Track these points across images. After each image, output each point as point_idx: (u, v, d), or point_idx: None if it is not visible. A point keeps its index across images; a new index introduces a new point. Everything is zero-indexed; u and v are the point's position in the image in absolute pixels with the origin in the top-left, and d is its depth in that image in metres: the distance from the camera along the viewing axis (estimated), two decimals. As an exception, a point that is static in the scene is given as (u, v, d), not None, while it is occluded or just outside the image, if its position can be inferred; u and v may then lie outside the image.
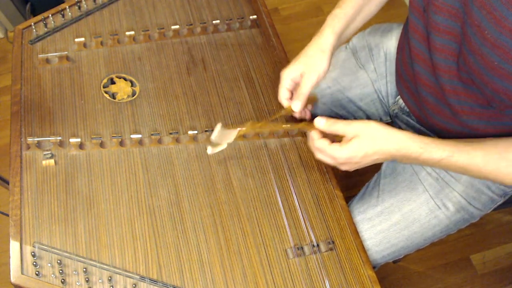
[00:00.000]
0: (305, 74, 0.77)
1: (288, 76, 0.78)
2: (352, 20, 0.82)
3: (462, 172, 0.69)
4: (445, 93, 0.71)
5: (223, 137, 0.76)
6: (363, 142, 0.67)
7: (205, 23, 0.99)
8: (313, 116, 1.00)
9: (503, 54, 0.55)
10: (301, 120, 0.84)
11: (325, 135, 0.72)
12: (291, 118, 0.87)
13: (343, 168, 0.72)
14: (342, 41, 0.83)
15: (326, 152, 0.70)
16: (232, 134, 0.77)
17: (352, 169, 0.72)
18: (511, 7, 0.52)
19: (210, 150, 0.78)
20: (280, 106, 0.83)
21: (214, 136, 0.75)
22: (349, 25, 0.81)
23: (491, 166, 0.65)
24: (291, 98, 0.79)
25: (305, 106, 0.80)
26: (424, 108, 0.80)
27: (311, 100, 0.83)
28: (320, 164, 0.84)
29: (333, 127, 0.70)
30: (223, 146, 0.77)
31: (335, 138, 0.72)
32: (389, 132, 0.68)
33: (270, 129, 0.84)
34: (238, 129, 0.74)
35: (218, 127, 0.74)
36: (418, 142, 0.67)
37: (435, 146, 0.67)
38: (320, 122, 0.71)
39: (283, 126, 0.81)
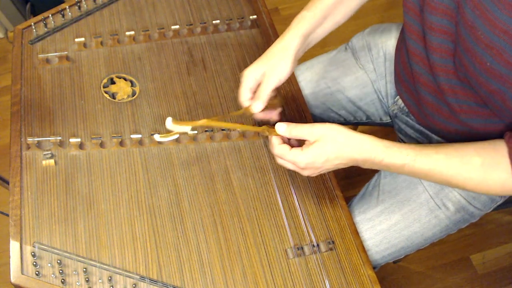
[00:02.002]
0: (266, 75, 0.74)
1: (250, 75, 0.75)
2: (319, 24, 0.79)
3: (426, 178, 0.68)
4: (443, 92, 0.71)
5: (175, 129, 0.70)
6: (324, 147, 0.66)
7: (205, 23, 0.99)
8: (314, 117, 1.00)
9: (495, 55, 0.55)
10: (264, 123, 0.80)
11: (288, 140, 0.71)
12: (253, 120, 0.87)
13: (305, 173, 0.70)
14: (308, 44, 0.79)
15: (286, 157, 0.68)
16: (184, 129, 0.70)
17: (315, 175, 0.70)
18: (503, 8, 0.52)
19: (158, 137, 0.72)
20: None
21: (167, 127, 0.69)
22: (315, 29, 0.78)
23: (452, 171, 0.64)
24: (251, 99, 0.76)
25: (269, 107, 0.76)
26: (423, 108, 0.80)
27: (275, 105, 0.78)
28: (320, 164, 0.84)
29: (295, 132, 0.68)
30: (174, 136, 0.72)
31: (298, 143, 0.70)
32: (351, 136, 0.66)
33: (225, 126, 0.78)
34: (190, 127, 0.69)
35: (169, 121, 0.67)
36: (380, 146, 0.66)
37: (397, 150, 0.65)
38: (281, 128, 0.69)
39: (240, 126, 0.76)
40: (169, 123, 0.67)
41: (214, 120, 0.71)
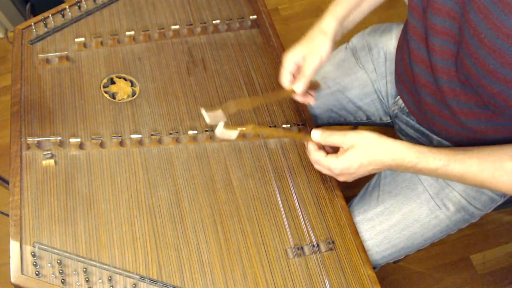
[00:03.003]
0: (307, 56, 0.77)
1: (290, 59, 0.78)
2: (355, 7, 0.81)
3: (458, 181, 0.70)
4: (444, 94, 0.71)
5: (225, 137, 0.75)
6: (358, 153, 0.68)
7: (205, 23, 0.99)
8: (314, 117, 1.00)
9: (499, 58, 0.55)
10: (302, 124, 0.84)
11: (323, 145, 0.73)
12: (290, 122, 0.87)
13: (340, 179, 0.73)
14: (345, 28, 0.82)
15: (322, 163, 0.71)
16: (233, 134, 0.75)
17: (350, 180, 0.73)
18: (508, 11, 0.52)
19: (220, 130, 0.71)
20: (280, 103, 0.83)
21: (218, 133, 0.72)
22: (351, 12, 0.81)
23: (486, 175, 0.65)
24: (292, 82, 0.79)
25: (308, 90, 0.80)
26: (424, 109, 0.80)
27: (314, 85, 0.83)
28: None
29: (329, 139, 0.71)
30: (236, 131, 0.73)
31: (332, 149, 0.73)
32: (384, 142, 0.68)
33: (269, 133, 0.85)
34: (239, 129, 0.73)
35: (221, 125, 0.71)
36: (413, 151, 0.68)
37: (431, 155, 0.67)
38: (316, 135, 0.72)
39: (283, 133, 0.82)
40: (220, 128, 0.70)
41: (262, 127, 0.76)
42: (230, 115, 0.86)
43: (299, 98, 0.80)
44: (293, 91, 0.78)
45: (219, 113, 0.72)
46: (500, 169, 0.64)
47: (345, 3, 0.80)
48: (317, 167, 0.74)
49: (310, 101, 0.82)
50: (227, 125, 0.70)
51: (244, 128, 0.71)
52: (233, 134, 0.72)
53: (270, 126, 0.88)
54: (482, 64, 0.58)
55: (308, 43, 0.78)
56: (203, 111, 0.71)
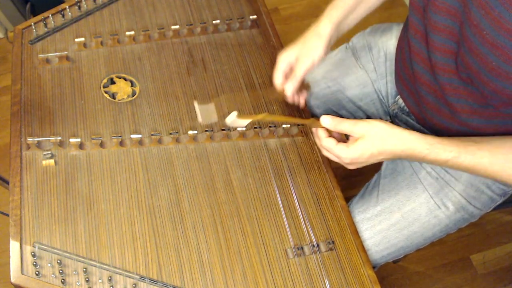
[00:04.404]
0: (300, 58, 0.78)
1: (284, 59, 0.79)
2: (351, 11, 0.81)
3: (469, 172, 0.69)
4: (444, 92, 0.71)
5: (235, 124, 0.72)
6: (369, 143, 0.67)
7: (205, 23, 0.99)
8: (314, 116, 1.00)
9: (501, 55, 0.55)
10: (304, 113, 0.84)
11: (332, 132, 0.73)
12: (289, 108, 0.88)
13: (350, 167, 0.72)
14: (340, 32, 0.83)
15: (332, 151, 0.70)
16: (245, 122, 0.72)
17: (359, 167, 0.73)
18: (509, 7, 0.52)
19: (232, 118, 0.70)
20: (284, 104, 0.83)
21: (228, 122, 0.71)
22: (348, 16, 0.81)
23: (497, 167, 0.65)
24: (284, 83, 0.80)
25: (299, 91, 0.81)
26: (424, 108, 0.80)
27: (305, 87, 0.84)
28: (320, 164, 0.84)
29: (339, 127, 0.70)
30: (247, 120, 0.72)
31: (340, 135, 0.73)
32: (395, 132, 0.68)
33: (281, 120, 0.86)
34: (250, 120, 0.72)
35: (234, 115, 0.69)
36: (424, 143, 0.67)
37: (442, 147, 0.67)
38: (326, 121, 0.70)
39: (292, 120, 0.83)
40: (232, 117, 0.68)
41: (272, 115, 0.77)
42: (223, 112, 0.86)
43: (289, 98, 0.81)
44: (284, 92, 0.79)
45: (211, 107, 0.73)
46: (511, 161, 0.64)
47: (342, 7, 0.80)
48: (325, 153, 0.73)
49: (300, 102, 0.83)
50: (240, 115, 0.69)
51: (257, 117, 0.71)
52: (244, 122, 0.71)
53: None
54: (484, 61, 0.58)
55: (303, 45, 0.79)
56: (195, 104, 0.71)
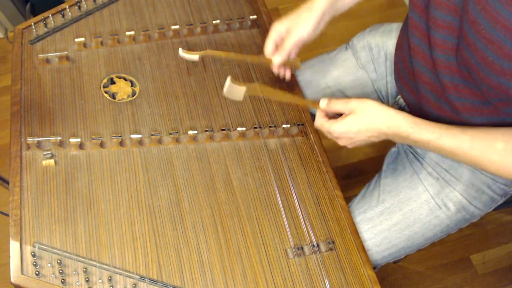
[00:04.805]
0: (290, 30, 0.79)
1: (275, 29, 0.81)
2: None
3: (452, 157, 0.71)
4: (445, 90, 0.71)
5: (232, 93, 0.75)
6: (357, 118, 0.71)
7: (205, 23, 0.99)
8: (314, 116, 1.00)
9: (497, 50, 0.55)
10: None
11: (332, 116, 0.77)
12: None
13: (340, 142, 0.76)
14: (337, 9, 0.83)
15: (323, 127, 0.75)
16: (240, 90, 0.75)
17: (350, 146, 0.76)
18: (505, 3, 0.52)
19: (227, 84, 0.73)
20: (282, 106, 0.82)
21: (224, 90, 0.74)
22: None
23: (477, 151, 0.66)
24: (273, 54, 0.81)
25: (285, 65, 0.83)
26: (424, 106, 0.80)
27: (293, 63, 0.85)
28: (320, 164, 0.84)
29: (334, 106, 0.74)
30: (240, 93, 0.75)
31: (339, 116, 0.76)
32: (383, 110, 0.71)
33: (276, 96, 0.83)
34: (245, 88, 0.74)
35: (228, 80, 0.73)
36: (409, 121, 0.70)
37: (425, 127, 0.69)
38: (323, 102, 0.75)
39: (290, 96, 0.83)
40: (228, 83, 0.72)
41: (268, 87, 0.77)
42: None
43: (275, 68, 0.83)
44: (271, 62, 0.81)
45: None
46: (491, 147, 0.65)
47: None
48: (320, 130, 0.77)
49: (285, 75, 0.86)
50: (235, 80, 0.72)
51: (251, 85, 0.74)
52: (240, 91, 0.74)
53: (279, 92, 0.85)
54: (481, 57, 0.58)
55: (294, 17, 0.80)
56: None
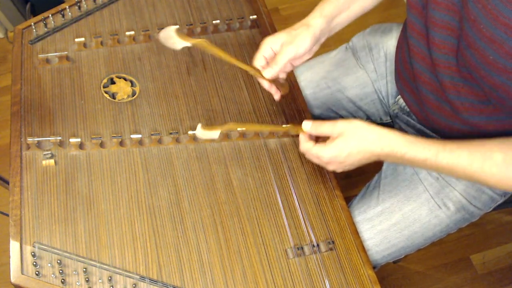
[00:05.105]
0: (284, 45, 0.75)
1: (268, 43, 0.76)
2: (345, 8, 0.80)
3: (449, 173, 0.69)
4: (445, 90, 0.71)
5: (206, 137, 0.73)
6: (347, 141, 0.68)
7: (205, 23, 0.99)
8: (314, 117, 1.00)
9: (498, 49, 0.55)
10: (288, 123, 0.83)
11: (316, 137, 0.73)
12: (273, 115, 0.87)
13: (330, 168, 0.73)
14: (333, 29, 0.80)
15: (311, 152, 0.71)
16: (214, 134, 0.73)
17: (339, 170, 0.72)
18: (506, 1, 0.52)
19: (199, 129, 0.71)
20: (281, 117, 0.82)
21: (198, 135, 0.73)
22: (341, 13, 0.80)
23: (475, 166, 0.65)
24: (264, 68, 0.77)
25: (278, 84, 0.79)
26: (425, 106, 0.80)
27: (283, 88, 0.81)
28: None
29: (319, 129, 0.71)
30: (216, 132, 0.73)
31: (325, 140, 0.72)
32: (373, 130, 0.68)
33: (254, 129, 0.83)
34: (219, 131, 0.72)
35: (199, 127, 0.71)
36: (402, 141, 0.67)
37: (420, 145, 0.67)
38: (307, 125, 0.72)
39: (266, 127, 0.80)
40: (199, 130, 0.70)
41: (240, 124, 0.74)
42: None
43: (265, 84, 0.78)
44: (258, 72, 0.76)
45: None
46: (489, 160, 0.64)
47: (335, 3, 0.79)
48: (307, 156, 0.74)
49: (274, 94, 0.80)
50: (205, 126, 0.70)
51: (224, 127, 0.71)
52: (214, 134, 0.71)
53: (270, 123, 0.87)
54: (482, 56, 0.58)
55: (290, 33, 0.76)
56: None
